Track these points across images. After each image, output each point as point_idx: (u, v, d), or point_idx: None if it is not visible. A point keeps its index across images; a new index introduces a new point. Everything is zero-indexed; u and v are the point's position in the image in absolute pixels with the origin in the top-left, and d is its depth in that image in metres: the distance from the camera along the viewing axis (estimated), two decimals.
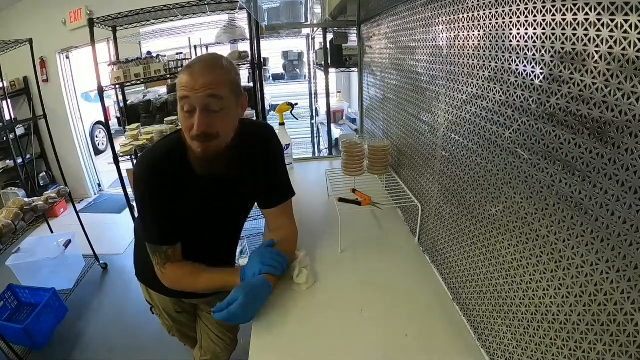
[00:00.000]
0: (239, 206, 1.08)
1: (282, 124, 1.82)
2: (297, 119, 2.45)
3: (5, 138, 3.20)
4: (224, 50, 3.75)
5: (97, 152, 5.49)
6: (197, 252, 0.98)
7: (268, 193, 1.06)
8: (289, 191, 1.09)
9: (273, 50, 4.17)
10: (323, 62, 2.50)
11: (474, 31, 0.71)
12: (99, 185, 4.57)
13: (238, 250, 1.97)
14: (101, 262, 2.85)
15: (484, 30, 0.67)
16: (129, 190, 2.43)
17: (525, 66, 0.56)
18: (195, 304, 1.27)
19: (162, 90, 3.60)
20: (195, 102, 0.80)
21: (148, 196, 0.90)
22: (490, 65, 0.66)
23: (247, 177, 0.98)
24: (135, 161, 2.66)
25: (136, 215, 1.02)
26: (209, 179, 0.92)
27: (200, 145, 0.83)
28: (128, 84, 2.33)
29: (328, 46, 2.35)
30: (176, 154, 0.90)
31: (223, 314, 0.82)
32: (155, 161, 0.89)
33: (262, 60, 2.43)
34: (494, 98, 0.65)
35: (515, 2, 0.56)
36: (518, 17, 0.56)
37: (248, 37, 2.62)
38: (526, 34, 0.54)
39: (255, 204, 1.12)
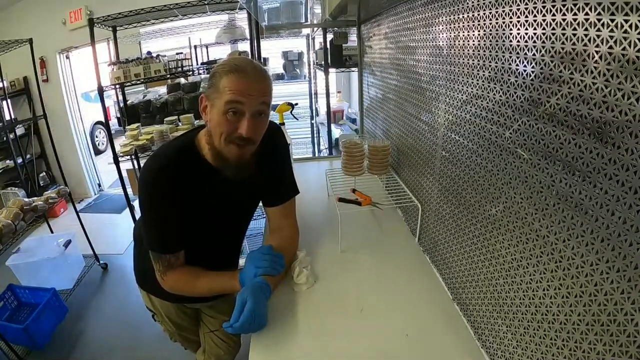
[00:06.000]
0: (245, 206, 1.08)
1: (282, 124, 1.82)
2: (297, 119, 2.44)
3: (5, 138, 3.20)
4: (224, 51, 3.76)
5: (97, 152, 5.49)
6: (203, 254, 0.98)
7: (273, 191, 1.05)
8: (293, 189, 1.09)
9: (273, 50, 4.17)
10: (323, 62, 2.50)
11: (474, 31, 0.71)
12: (99, 185, 4.57)
13: None
14: (101, 262, 2.85)
15: (484, 30, 0.67)
16: (129, 190, 2.43)
17: (525, 66, 0.56)
18: (198, 308, 1.27)
19: (162, 90, 3.60)
20: (248, 108, 0.81)
21: (152, 203, 0.88)
22: (490, 65, 0.66)
23: (255, 176, 0.97)
24: (135, 161, 2.67)
25: (137, 216, 1.01)
26: (218, 182, 0.91)
27: (238, 149, 0.84)
28: (128, 84, 2.34)
29: (328, 46, 2.35)
30: (185, 159, 0.88)
31: (236, 326, 0.78)
32: (162, 167, 0.86)
33: (262, 60, 2.43)
34: (494, 98, 0.65)
35: (515, 2, 0.56)
36: (518, 17, 0.56)
37: (248, 37, 2.63)
38: (526, 34, 0.54)
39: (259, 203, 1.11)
